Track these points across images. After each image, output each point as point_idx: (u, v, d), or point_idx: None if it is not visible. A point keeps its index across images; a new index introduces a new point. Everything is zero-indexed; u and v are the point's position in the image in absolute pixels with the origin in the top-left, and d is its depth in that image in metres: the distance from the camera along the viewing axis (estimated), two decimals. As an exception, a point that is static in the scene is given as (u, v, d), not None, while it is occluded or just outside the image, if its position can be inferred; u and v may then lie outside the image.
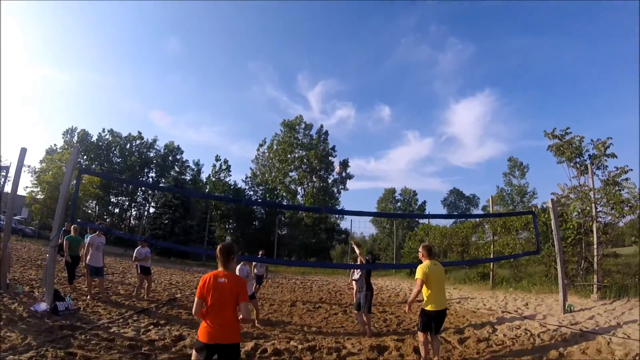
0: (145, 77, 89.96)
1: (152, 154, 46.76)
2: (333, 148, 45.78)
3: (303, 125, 45.81)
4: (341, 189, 46.54)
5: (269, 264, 12.21)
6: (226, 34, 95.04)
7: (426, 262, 6.06)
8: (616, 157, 12.33)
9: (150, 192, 43.64)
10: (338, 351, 6.51)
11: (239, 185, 43.12)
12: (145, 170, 45.83)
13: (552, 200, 10.65)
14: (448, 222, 24.16)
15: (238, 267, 8.89)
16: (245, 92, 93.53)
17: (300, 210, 38.15)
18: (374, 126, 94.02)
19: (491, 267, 16.38)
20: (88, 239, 10.11)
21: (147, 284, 10.94)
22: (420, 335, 6.05)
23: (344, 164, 45.22)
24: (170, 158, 47.05)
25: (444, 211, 65.38)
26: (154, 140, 46.70)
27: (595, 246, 11.60)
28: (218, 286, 3.65)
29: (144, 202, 44.90)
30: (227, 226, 40.98)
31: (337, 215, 44.33)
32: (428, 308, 5.89)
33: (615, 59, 79.37)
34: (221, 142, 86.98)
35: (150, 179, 45.80)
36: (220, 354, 3.57)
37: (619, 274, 11.47)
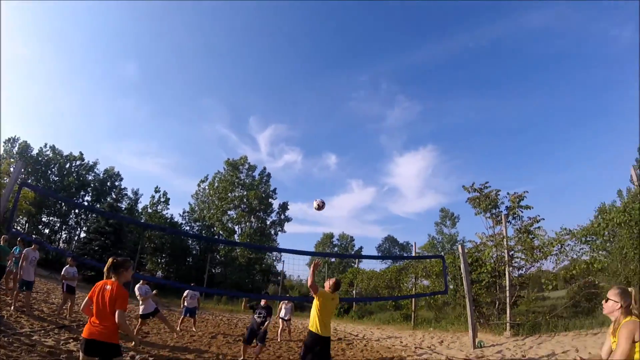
0: (96, 97, 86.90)
1: (90, 177, 44.84)
2: (274, 190, 46.09)
3: (247, 166, 46.04)
4: (279, 230, 46.69)
5: (201, 292, 12.41)
6: (184, 68, 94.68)
7: (329, 291, 6.29)
8: (531, 208, 13.53)
9: (82, 216, 42.06)
10: None
11: (175, 219, 42.36)
12: (82, 192, 43.65)
13: (461, 245, 11.50)
14: (378, 267, 24.87)
15: (137, 285, 9.89)
16: (196, 128, 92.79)
17: (236, 245, 37.81)
18: (320, 173, 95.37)
19: (412, 307, 17.14)
20: (24, 252, 10.07)
21: (69, 303, 10.82)
22: None
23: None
24: (108, 183, 45.36)
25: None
26: (95, 163, 44.71)
27: (507, 288, 12.47)
28: (103, 292, 4.15)
29: (75, 225, 43.02)
30: (159, 260, 40.02)
31: (273, 257, 44.41)
32: (313, 329, 5.92)
33: (555, 117, 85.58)
34: (164, 174, 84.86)
35: (86, 202, 44.04)
36: (97, 351, 3.98)
37: (537, 313, 12.38)
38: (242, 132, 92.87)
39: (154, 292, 10.45)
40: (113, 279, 4.25)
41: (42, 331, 7.90)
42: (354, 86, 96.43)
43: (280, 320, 13.39)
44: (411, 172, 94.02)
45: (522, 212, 13.60)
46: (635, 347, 3.10)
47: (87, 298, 4.23)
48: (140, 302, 9.74)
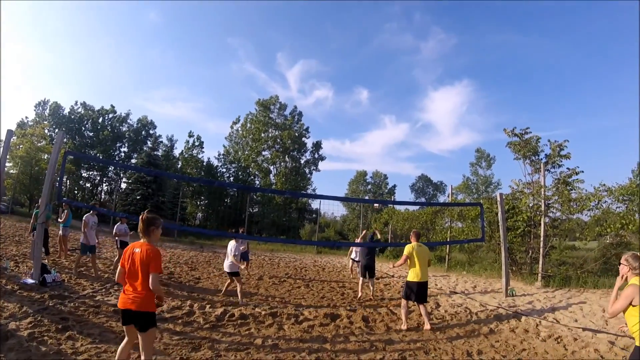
0: (121, 50, 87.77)
1: (124, 128, 45.51)
2: (307, 129, 46.25)
3: (278, 105, 45.98)
4: (313, 169, 47.24)
5: (245, 239, 13.05)
6: (207, 8, 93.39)
7: (413, 244, 7.54)
8: (569, 158, 13.55)
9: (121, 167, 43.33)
10: (296, 317, 7.43)
11: (211, 162, 43.41)
12: (118, 144, 44.70)
13: (500, 194, 11.57)
14: (412, 207, 25.21)
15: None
16: (224, 68, 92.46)
17: (270, 192, 38.45)
18: (352, 109, 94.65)
19: (447, 250, 17.59)
20: (84, 218, 10.27)
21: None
22: (403, 302, 7.40)
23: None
24: (143, 133, 46.00)
25: (411, 196, 67.11)
26: (127, 115, 45.46)
27: (542, 238, 12.73)
28: (133, 256, 3.86)
29: (115, 177, 44.28)
30: (198, 203, 41.38)
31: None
32: (410, 279, 7.37)
33: (597, 62, 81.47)
34: (196, 118, 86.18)
35: (123, 154, 44.92)
36: (133, 320, 3.79)
37: (568, 265, 12.61)
38: (271, 69, 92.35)
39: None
40: (142, 240, 3.96)
41: (103, 290, 8.37)
42: (386, 17, 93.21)
43: (352, 261, 13.92)
44: (446, 108, 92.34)
45: (561, 161, 13.59)
46: (635, 310, 3.49)
47: (119, 267, 3.97)
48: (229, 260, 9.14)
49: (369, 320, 7.65)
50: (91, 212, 10.55)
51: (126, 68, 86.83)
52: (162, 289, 4.14)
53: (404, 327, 7.13)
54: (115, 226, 11.38)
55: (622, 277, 3.88)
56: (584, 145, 75.32)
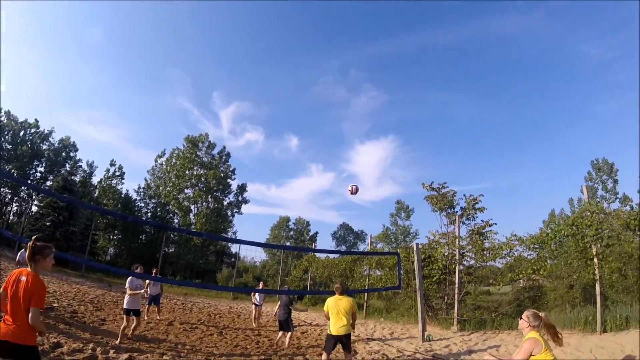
0: (55, 60, 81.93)
1: (45, 147, 42.12)
2: (233, 171, 45.40)
3: (207, 144, 45.02)
4: (236, 212, 46.35)
5: (159, 282, 12.44)
6: (151, 35, 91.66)
7: (332, 297, 7.32)
8: (483, 211, 14.38)
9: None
10: None
11: (130, 194, 41.28)
12: (35, 162, 41.05)
13: (416, 244, 12.03)
14: (332, 255, 25.27)
15: (130, 278, 9.19)
16: (158, 99, 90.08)
17: (187, 233, 37.08)
18: (280, 154, 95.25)
19: (365, 298, 17.61)
20: None
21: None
22: (323, 355, 7.17)
23: None
24: (63, 154, 42.92)
25: (333, 243, 67.60)
26: (50, 132, 41.85)
27: (456, 285, 13.17)
28: (18, 283, 3.54)
29: (27, 198, 40.66)
30: (111, 237, 39.01)
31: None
32: (328, 332, 7.13)
33: (517, 123, 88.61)
34: (120, 146, 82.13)
35: (39, 174, 41.42)
36: (11, 353, 3.41)
37: (483, 309, 13.06)
38: (205, 107, 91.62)
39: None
40: (29, 269, 3.64)
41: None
42: (323, 70, 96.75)
43: (255, 306, 13.79)
44: (371, 161, 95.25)
45: (476, 214, 14.31)
46: (538, 358, 3.93)
47: (1, 290, 3.64)
48: (127, 296, 8.91)
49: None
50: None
51: (56, 80, 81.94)
52: (42, 324, 3.62)
53: None
54: (19, 253, 10.49)
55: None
56: (499, 199, 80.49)
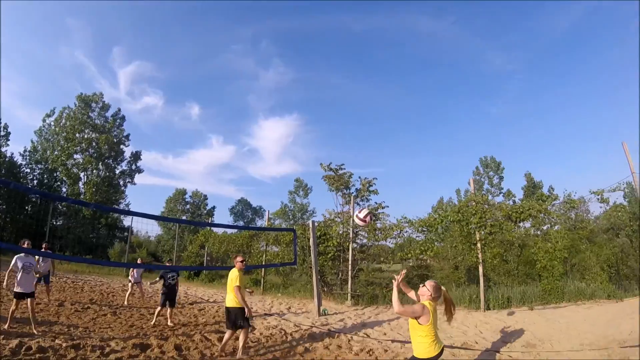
0: None
1: None
2: (127, 136, 42.00)
3: (101, 105, 40.95)
4: (129, 182, 43.62)
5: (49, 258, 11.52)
6: None
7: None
8: (377, 193, 15.90)
9: None
10: (102, 349, 6.75)
11: (15, 159, 36.55)
12: None
13: (312, 222, 12.61)
14: (230, 230, 25.25)
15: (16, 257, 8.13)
16: (52, 50, 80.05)
17: (74, 203, 34.43)
18: (180, 122, 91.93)
19: (262, 273, 17.98)
20: None
21: None
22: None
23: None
24: None
25: (230, 219, 67.32)
26: None
27: (350, 262, 14.13)
28: None
29: None
30: (-7, 206, 35.10)
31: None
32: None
33: (417, 114, 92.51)
34: (8, 102, 72.44)
35: None
36: None
37: (376, 285, 14.06)
38: (103, 63, 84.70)
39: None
40: None
41: None
42: (234, 38, 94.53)
43: (130, 284, 13.47)
44: (273, 137, 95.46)
45: (369, 196, 15.31)
46: (419, 328, 4.23)
47: None
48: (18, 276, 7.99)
49: (181, 348, 7.35)
50: None
51: None
52: None
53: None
54: None
55: (417, 297, 4.57)
56: (393, 184, 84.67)
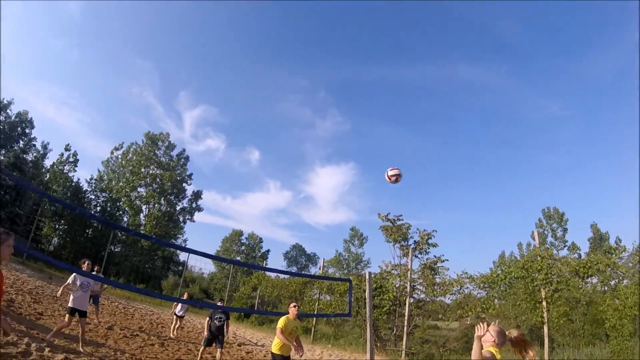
0: (24, 30, 76.47)
1: (1, 117, 39.69)
2: (190, 175, 44.01)
3: (167, 144, 43.56)
4: (188, 219, 45.00)
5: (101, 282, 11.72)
6: (128, 20, 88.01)
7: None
8: (436, 246, 14.71)
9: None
10: None
11: (81, 184, 38.62)
12: None
13: (368, 273, 11.98)
14: (282, 275, 24.97)
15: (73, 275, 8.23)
16: (124, 89, 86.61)
17: (133, 234, 35.53)
18: (240, 166, 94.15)
19: (313, 322, 17.44)
20: None
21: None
22: None
23: None
24: (19, 129, 40.46)
25: (284, 263, 66.99)
26: (9, 103, 39.00)
27: (406, 317, 13.32)
28: None
29: None
30: (57, 226, 36.86)
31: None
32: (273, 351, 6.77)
33: (472, 166, 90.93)
34: (78, 131, 77.20)
35: None
36: None
37: (431, 343, 13.32)
38: (170, 105, 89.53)
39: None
40: None
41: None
42: (293, 88, 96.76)
43: (175, 316, 13.34)
44: (329, 185, 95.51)
45: (428, 249, 14.60)
46: None
47: None
48: (74, 293, 8.14)
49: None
50: None
51: (23, 51, 77.64)
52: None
53: None
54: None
55: (479, 340, 3.91)
56: (452, 236, 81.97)
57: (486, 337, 3.99)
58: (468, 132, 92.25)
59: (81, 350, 7.47)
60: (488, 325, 4.13)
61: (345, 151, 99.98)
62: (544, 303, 10.66)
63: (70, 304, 8.02)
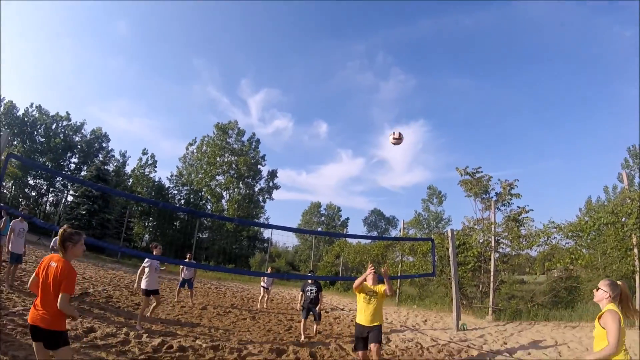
0: (83, 55, 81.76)
1: (77, 138, 42.90)
2: (263, 157, 45.75)
3: (236, 131, 45.27)
4: (267, 198, 46.71)
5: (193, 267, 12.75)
6: (175, 27, 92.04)
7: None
8: (519, 197, 13.97)
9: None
10: (239, 351, 6.91)
11: (163, 182, 42.01)
12: (69, 154, 42.08)
13: (451, 230, 11.71)
14: (364, 240, 25.18)
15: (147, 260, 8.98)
16: (186, 89, 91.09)
17: (219, 219, 37.49)
18: (310, 141, 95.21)
19: (397, 284, 17.50)
20: (11, 224, 9.56)
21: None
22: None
23: None
24: (95, 145, 43.87)
25: (364, 229, 67.45)
26: (82, 124, 42.83)
27: (492, 273, 12.91)
28: (48, 269, 3.60)
29: (62, 188, 41.72)
30: (146, 224, 39.84)
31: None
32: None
33: (547, 108, 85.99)
34: (151, 136, 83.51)
35: (73, 165, 42.34)
36: (41, 337, 3.52)
37: (518, 298, 12.85)
38: (233, 95, 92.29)
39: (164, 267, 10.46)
40: (60, 255, 3.70)
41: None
42: (350, 55, 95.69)
43: (262, 289, 13.94)
44: (401, 146, 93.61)
45: (511, 200, 13.93)
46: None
47: (33, 275, 3.68)
48: (145, 276, 8.82)
49: (316, 356, 7.26)
50: (20, 218, 9.63)
51: (86, 74, 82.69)
52: (73, 308, 3.66)
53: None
54: (53, 240, 10.71)
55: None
56: (534, 185, 78.31)
57: (599, 295, 3.76)
58: (537, 72, 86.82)
59: (138, 326, 7.91)
60: None
61: (414, 109, 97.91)
62: (635, 250, 9.81)
63: (143, 286, 8.72)
